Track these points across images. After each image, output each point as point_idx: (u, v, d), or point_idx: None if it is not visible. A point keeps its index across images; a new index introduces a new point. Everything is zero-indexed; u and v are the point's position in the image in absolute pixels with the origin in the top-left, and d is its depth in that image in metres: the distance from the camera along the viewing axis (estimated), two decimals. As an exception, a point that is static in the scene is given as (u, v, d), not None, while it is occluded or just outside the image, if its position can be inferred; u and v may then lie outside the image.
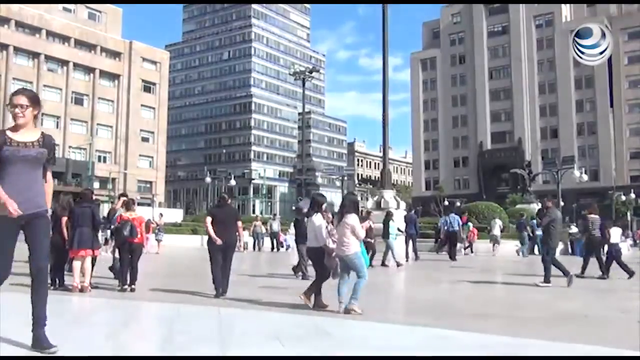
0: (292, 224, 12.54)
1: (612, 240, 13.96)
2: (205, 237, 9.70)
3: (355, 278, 7.28)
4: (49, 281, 9.34)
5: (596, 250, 13.98)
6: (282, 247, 28.35)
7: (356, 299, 7.03)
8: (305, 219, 12.06)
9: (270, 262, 20.20)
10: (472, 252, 24.75)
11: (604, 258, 13.85)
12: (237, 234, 9.38)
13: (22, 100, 4.22)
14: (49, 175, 4.43)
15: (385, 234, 17.05)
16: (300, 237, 12.27)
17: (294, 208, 13.36)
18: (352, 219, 7.26)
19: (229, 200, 9.98)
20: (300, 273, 12.38)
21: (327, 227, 7.54)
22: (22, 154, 4.14)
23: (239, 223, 9.47)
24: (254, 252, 25.72)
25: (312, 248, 7.75)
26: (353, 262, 7.23)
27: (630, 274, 13.13)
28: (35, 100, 4.30)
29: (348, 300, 7.04)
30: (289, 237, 28.21)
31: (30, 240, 4.23)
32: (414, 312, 7.97)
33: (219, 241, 8.71)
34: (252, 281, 12.06)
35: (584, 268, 13.59)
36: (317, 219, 7.67)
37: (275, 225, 27.64)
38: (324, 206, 7.93)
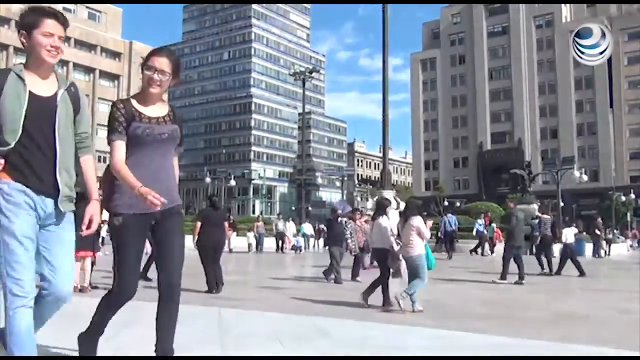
0: (325, 225, 12.22)
1: (567, 239, 14.59)
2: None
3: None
4: None
5: (547, 248, 14.72)
6: (293, 248, 26.96)
7: (414, 300, 7.45)
8: (339, 220, 12.02)
9: (282, 264, 20.17)
10: (492, 253, 23.94)
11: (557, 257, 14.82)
12: (225, 234, 10.21)
13: (165, 65, 3.29)
14: (177, 161, 3.54)
15: None
16: (333, 239, 11.78)
17: (332, 209, 12.30)
18: (417, 220, 7.67)
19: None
20: (332, 277, 11.58)
21: (390, 229, 8.02)
22: (157, 133, 3.28)
23: (226, 224, 10.60)
24: (257, 254, 24.83)
25: (378, 249, 8.20)
26: (415, 263, 7.60)
27: (582, 273, 13.68)
28: (179, 68, 3.40)
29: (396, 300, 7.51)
30: (300, 238, 27.86)
31: (163, 245, 3.34)
32: (414, 313, 7.96)
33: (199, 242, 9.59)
34: (252, 282, 12.06)
35: (541, 266, 14.42)
36: (384, 220, 8.12)
37: (281, 225, 26.67)
38: (387, 209, 8.62)
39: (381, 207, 8.44)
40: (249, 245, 25.74)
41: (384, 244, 7.95)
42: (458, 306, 8.57)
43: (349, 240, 11.70)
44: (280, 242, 26.42)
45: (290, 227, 27.87)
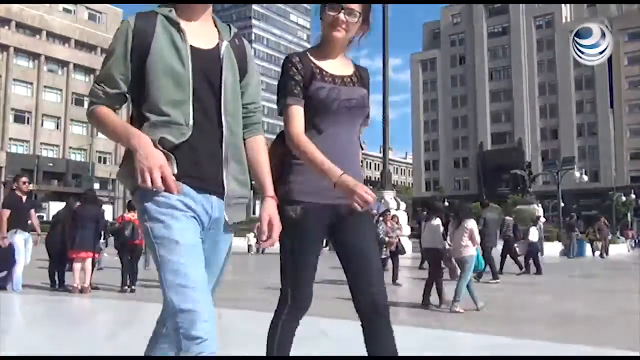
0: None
1: (531, 239, 15.28)
2: None
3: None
4: (50, 282, 9.36)
5: (511, 249, 15.22)
6: None
7: (458, 301, 7.65)
8: (376, 221, 11.50)
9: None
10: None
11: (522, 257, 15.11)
12: None
13: (355, 4, 2.46)
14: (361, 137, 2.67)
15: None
16: None
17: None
18: (471, 224, 7.98)
19: None
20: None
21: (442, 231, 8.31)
22: (344, 97, 2.47)
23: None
24: (259, 255, 23.78)
25: (429, 249, 8.58)
26: (464, 264, 7.86)
27: (539, 272, 14.43)
28: (370, 11, 2.55)
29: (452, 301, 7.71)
30: None
31: (355, 253, 2.55)
32: (415, 313, 7.97)
33: None
34: (253, 282, 12.06)
35: (502, 265, 14.80)
36: (437, 222, 8.47)
37: None
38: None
39: (434, 210, 8.97)
40: (249, 246, 24.91)
41: (436, 244, 8.32)
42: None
43: (386, 238, 11.21)
44: None
45: None
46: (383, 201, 27.29)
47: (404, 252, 12.15)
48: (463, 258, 7.85)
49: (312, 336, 5.58)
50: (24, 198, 8.96)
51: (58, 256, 9.49)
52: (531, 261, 14.79)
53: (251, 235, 24.73)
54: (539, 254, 15.71)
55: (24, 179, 9.15)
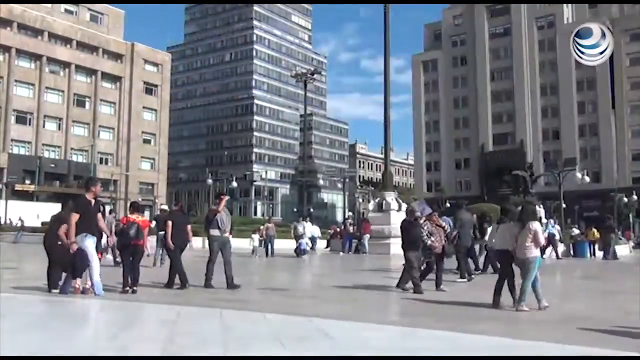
0: (400, 227, 10.88)
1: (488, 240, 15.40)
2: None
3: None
4: (47, 283, 9.32)
5: (471, 250, 15.18)
6: (296, 252, 24.58)
7: (524, 300, 7.90)
8: (414, 222, 10.86)
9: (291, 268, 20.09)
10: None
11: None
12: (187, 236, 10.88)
13: None
14: None
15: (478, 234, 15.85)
16: (410, 244, 10.62)
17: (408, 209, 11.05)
18: (535, 225, 8.13)
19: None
20: (408, 286, 10.46)
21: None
22: None
23: (189, 227, 10.91)
24: (267, 258, 22.31)
25: (499, 250, 8.81)
26: (528, 266, 8.04)
27: (483, 271, 14.41)
28: None
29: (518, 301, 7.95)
30: (306, 240, 24.98)
31: None
32: (416, 314, 7.97)
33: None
34: (253, 283, 12.06)
35: (477, 267, 14.84)
36: (509, 225, 8.70)
37: (301, 228, 24.78)
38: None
39: (505, 212, 9.30)
40: (254, 248, 23.08)
41: (507, 245, 8.46)
42: (459, 307, 8.56)
43: (428, 241, 10.63)
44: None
45: (315, 230, 26.42)
46: (384, 202, 27.24)
47: (451, 254, 11.56)
48: (527, 259, 8.07)
49: (312, 336, 5.59)
50: (92, 202, 8.84)
51: (58, 258, 9.46)
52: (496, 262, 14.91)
53: (255, 237, 23.59)
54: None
55: (98, 184, 9.07)
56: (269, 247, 23.36)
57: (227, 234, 10.46)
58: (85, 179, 9.40)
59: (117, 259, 17.00)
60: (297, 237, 24.42)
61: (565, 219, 30.42)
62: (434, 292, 10.26)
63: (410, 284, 10.42)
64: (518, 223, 8.43)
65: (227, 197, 10.69)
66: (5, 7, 61.22)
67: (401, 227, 10.95)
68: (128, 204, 12.02)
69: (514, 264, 8.38)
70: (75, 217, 8.41)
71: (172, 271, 10.39)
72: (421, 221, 10.82)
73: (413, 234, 10.58)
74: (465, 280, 12.50)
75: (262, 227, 24.42)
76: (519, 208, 9.16)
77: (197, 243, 28.93)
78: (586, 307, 8.37)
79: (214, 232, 10.34)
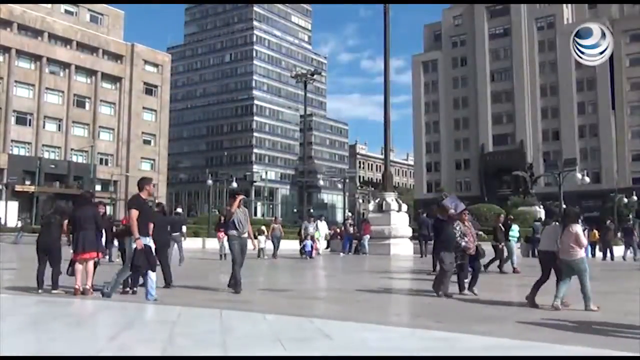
0: (432, 226, 10.28)
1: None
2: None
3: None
4: (37, 284, 9.30)
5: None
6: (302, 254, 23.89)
7: (589, 299, 8.25)
8: (447, 220, 10.13)
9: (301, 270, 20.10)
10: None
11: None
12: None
13: None
14: None
15: (503, 237, 15.37)
16: (443, 244, 9.92)
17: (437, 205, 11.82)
18: (576, 228, 8.38)
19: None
20: (442, 291, 9.70)
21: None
22: None
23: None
24: (273, 259, 21.63)
25: (544, 251, 9.01)
26: (578, 266, 8.33)
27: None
28: None
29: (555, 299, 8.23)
30: (309, 242, 23.76)
31: None
32: (415, 315, 7.97)
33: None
34: (253, 284, 12.06)
35: (434, 266, 14.74)
36: (555, 226, 8.91)
37: (311, 228, 24.04)
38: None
39: (550, 214, 9.75)
40: (260, 250, 21.98)
41: (552, 247, 8.66)
42: (459, 308, 8.57)
43: (462, 242, 9.94)
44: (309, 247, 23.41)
45: (322, 228, 25.70)
46: (384, 202, 27.22)
47: (483, 254, 10.91)
48: (573, 261, 8.33)
49: (312, 336, 5.59)
50: (147, 201, 8.82)
51: (54, 258, 9.44)
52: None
53: (262, 238, 22.53)
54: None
55: (152, 182, 9.02)
56: (275, 247, 22.50)
57: (245, 235, 10.06)
58: (139, 179, 9.25)
59: (113, 259, 17.08)
60: (307, 237, 23.52)
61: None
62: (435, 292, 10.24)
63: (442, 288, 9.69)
64: (560, 225, 8.67)
65: (242, 196, 10.24)
66: (6, 7, 61.24)
67: (434, 227, 10.40)
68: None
69: (558, 265, 8.59)
70: (135, 213, 8.32)
71: (165, 270, 10.34)
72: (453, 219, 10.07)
73: (446, 233, 9.86)
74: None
75: (275, 227, 23.28)
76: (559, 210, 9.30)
77: (197, 244, 29.01)
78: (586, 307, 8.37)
79: (232, 232, 9.99)
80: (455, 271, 10.02)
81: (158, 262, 9.24)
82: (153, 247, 8.72)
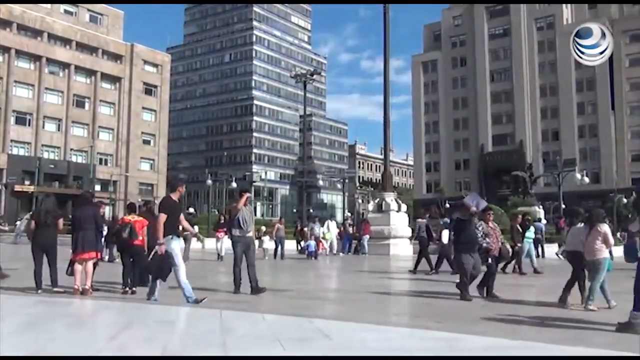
0: (453, 226, 9.87)
1: (444, 240, 15.67)
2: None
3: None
4: (35, 284, 9.28)
5: (423, 249, 15.85)
6: (308, 255, 23.46)
7: (592, 300, 8.31)
8: (469, 219, 9.64)
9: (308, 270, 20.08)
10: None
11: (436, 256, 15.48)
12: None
13: None
14: None
15: (520, 237, 15.19)
16: (464, 245, 9.42)
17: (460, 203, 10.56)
18: (604, 227, 8.44)
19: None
20: (468, 295, 9.20)
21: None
22: None
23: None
24: (279, 260, 21.20)
25: (571, 251, 9.08)
26: (597, 266, 8.37)
27: (435, 269, 14.89)
28: None
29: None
30: (313, 242, 23.51)
31: None
32: (415, 315, 7.97)
33: None
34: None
35: (416, 265, 15.37)
36: (581, 226, 8.96)
37: (317, 229, 23.80)
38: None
39: (576, 214, 9.43)
40: (265, 250, 21.58)
41: (578, 247, 8.72)
42: (459, 308, 8.57)
43: (484, 242, 9.45)
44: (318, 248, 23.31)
45: (332, 228, 25.18)
46: (384, 202, 27.20)
47: (508, 256, 10.67)
48: (596, 260, 8.37)
49: (312, 336, 5.59)
50: (179, 202, 8.59)
51: (51, 257, 9.44)
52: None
53: (266, 238, 22.38)
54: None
55: (184, 183, 8.72)
56: (279, 248, 22.13)
57: (250, 234, 9.88)
58: (170, 178, 8.95)
59: (111, 259, 17.09)
60: (316, 238, 23.38)
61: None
62: (435, 293, 10.24)
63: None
64: (587, 225, 8.70)
65: (248, 195, 10.02)
66: (5, 7, 61.22)
67: (455, 227, 9.97)
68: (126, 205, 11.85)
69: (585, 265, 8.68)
70: (163, 217, 8.07)
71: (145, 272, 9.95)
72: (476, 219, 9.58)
73: (468, 233, 9.34)
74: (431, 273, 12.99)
75: (279, 227, 22.77)
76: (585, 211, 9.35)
77: (197, 244, 28.90)
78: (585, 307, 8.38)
79: (236, 232, 9.75)
80: (474, 274, 9.43)
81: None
82: (181, 247, 8.54)
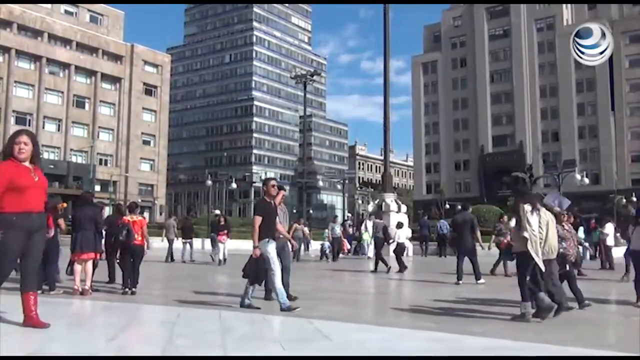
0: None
1: (400, 240, 16.61)
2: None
3: None
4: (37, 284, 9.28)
5: (378, 248, 16.23)
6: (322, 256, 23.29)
7: None
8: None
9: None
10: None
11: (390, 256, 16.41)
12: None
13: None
14: None
15: None
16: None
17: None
18: None
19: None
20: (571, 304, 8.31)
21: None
22: None
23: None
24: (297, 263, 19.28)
25: (637, 251, 8.92)
26: None
27: (402, 269, 15.45)
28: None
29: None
30: (327, 244, 23.17)
31: None
32: (414, 316, 7.97)
33: None
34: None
35: (376, 265, 15.80)
36: None
37: (338, 230, 23.09)
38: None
39: None
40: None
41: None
42: (458, 308, 8.56)
43: (560, 248, 8.13)
44: (336, 249, 22.90)
45: (370, 229, 22.41)
46: (384, 203, 27.21)
47: (580, 263, 10.28)
48: None
49: (311, 337, 5.59)
50: (272, 203, 8.17)
51: (51, 256, 9.43)
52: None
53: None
54: (406, 254, 16.98)
55: (273, 182, 8.25)
56: (301, 248, 21.36)
57: (282, 236, 9.08)
58: (264, 180, 8.49)
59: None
60: (335, 240, 22.76)
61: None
62: (433, 293, 10.23)
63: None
64: (631, 223, 8.84)
65: (284, 193, 9.02)
66: (5, 7, 61.23)
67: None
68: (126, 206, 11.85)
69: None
70: (258, 220, 7.75)
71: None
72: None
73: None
74: (483, 281, 12.39)
75: (297, 227, 20.91)
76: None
77: (196, 244, 28.88)
78: (585, 308, 8.36)
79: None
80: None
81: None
82: (291, 248, 8.59)
